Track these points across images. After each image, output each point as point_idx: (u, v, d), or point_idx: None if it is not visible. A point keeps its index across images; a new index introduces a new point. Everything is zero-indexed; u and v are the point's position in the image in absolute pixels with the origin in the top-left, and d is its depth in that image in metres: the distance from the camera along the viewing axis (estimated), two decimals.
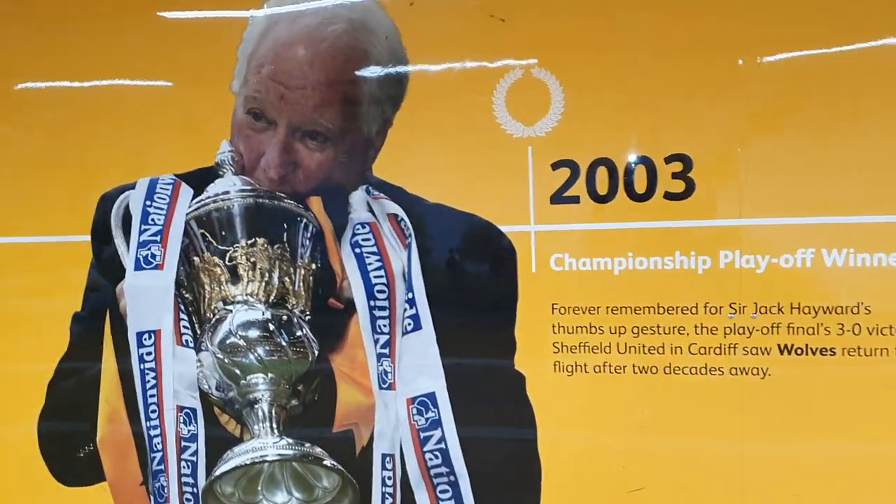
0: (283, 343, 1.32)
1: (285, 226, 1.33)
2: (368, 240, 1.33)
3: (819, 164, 1.17)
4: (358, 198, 1.33)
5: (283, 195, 1.33)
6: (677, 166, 1.21)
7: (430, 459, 1.31)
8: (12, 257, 1.43)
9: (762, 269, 1.19)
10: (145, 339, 1.36)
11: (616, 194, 1.23)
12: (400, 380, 1.32)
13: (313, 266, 1.35)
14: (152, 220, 1.36)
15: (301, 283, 1.34)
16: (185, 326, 1.36)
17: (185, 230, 1.35)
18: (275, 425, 1.33)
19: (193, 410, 1.36)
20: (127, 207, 1.37)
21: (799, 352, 1.19)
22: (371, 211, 1.33)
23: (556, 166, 1.24)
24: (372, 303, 1.32)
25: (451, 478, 1.30)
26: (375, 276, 1.32)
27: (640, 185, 1.22)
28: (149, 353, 1.36)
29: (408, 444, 1.31)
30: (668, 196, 1.21)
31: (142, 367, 1.36)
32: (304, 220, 1.34)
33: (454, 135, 1.27)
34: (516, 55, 1.24)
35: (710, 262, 1.21)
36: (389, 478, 1.33)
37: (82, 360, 1.41)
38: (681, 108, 1.20)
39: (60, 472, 1.45)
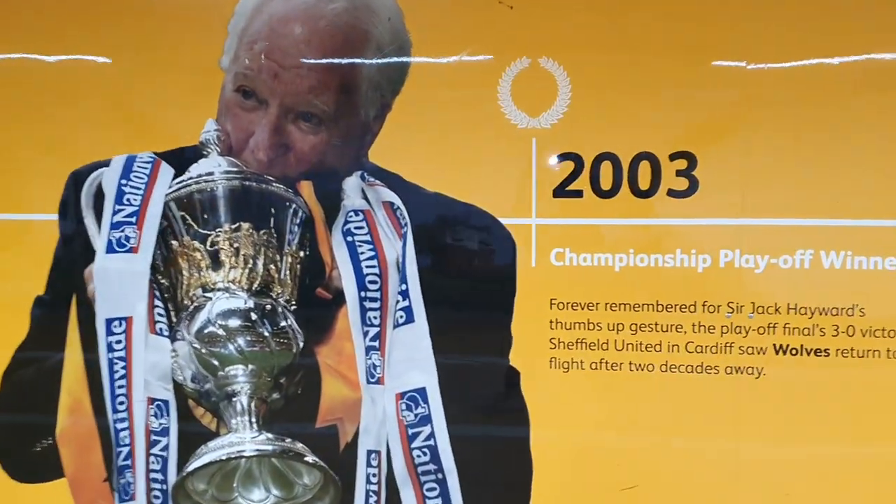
0: (266, 333, 1.25)
1: (273, 211, 1.27)
2: (362, 228, 1.27)
3: (820, 166, 1.18)
4: (352, 184, 1.27)
5: (271, 178, 1.27)
6: (681, 163, 1.20)
7: (418, 456, 1.26)
8: None
9: (761, 269, 1.20)
10: (115, 327, 1.28)
11: (619, 190, 1.21)
12: (389, 374, 1.27)
13: (301, 254, 1.29)
14: (127, 199, 1.28)
15: (287, 272, 1.28)
16: (159, 314, 1.28)
17: (163, 212, 1.27)
18: (254, 419, 1.26)
19: (166, 402, 1.28)
20: (100, 186, 1.29)
21: (794, 352, 1.20)
22: (365, 198, 1.28)
23: (560, 159, 1.22)
24: (363, 294, 1.27)
25: (439, 475, 1.26)
26: (368, 266, 1.27)
27: (644, 182, 1.21)
28: (118, 342, 1.27)
29: (395, 441, 1.27)
30: (672, 193, 1.21)
31: (110, 356, 1.28)
32: (294, 206, 1.27)
33: (455, 122, 1.24)
34: (524, 44, 1.21)
35: (710, 261, 1.21)
36: (374, 475, 1.28)
37: (43, 348, 1.32)
38: (685, 105, 1.20)
39: (14, 467, 1.35)
